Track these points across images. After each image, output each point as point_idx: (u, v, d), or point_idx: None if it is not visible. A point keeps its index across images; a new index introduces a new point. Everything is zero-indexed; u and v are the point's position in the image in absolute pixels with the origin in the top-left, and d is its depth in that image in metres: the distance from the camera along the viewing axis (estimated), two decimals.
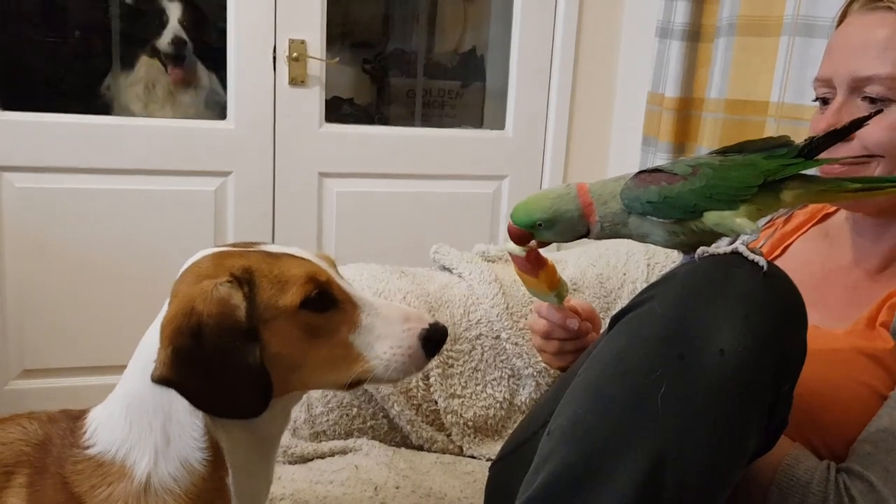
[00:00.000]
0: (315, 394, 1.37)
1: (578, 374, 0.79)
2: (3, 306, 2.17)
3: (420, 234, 2.38)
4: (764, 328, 0.71)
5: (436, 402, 1.39)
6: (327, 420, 1.36)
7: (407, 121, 2.98)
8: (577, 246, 1.75)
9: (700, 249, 0.79)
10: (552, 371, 1.39)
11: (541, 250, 0.98)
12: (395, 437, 1.39)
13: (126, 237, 2.22)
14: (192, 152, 2.23)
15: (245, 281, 0.76)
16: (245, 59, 2.22)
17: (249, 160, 2.28)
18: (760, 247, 1.17)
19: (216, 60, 2.30)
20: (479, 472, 1.28)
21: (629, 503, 0.67)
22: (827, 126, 0.98)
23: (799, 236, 1.17)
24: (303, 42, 2.23)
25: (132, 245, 2.22)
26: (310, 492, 1.15)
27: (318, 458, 1.31)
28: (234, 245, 0.84)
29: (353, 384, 0.82)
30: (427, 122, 2.96)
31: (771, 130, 1.76)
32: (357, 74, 2.98)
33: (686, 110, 2.07)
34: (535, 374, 1.40)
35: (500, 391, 1.41)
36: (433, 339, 0.83)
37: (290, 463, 1.31)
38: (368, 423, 1.37)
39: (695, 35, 2.06)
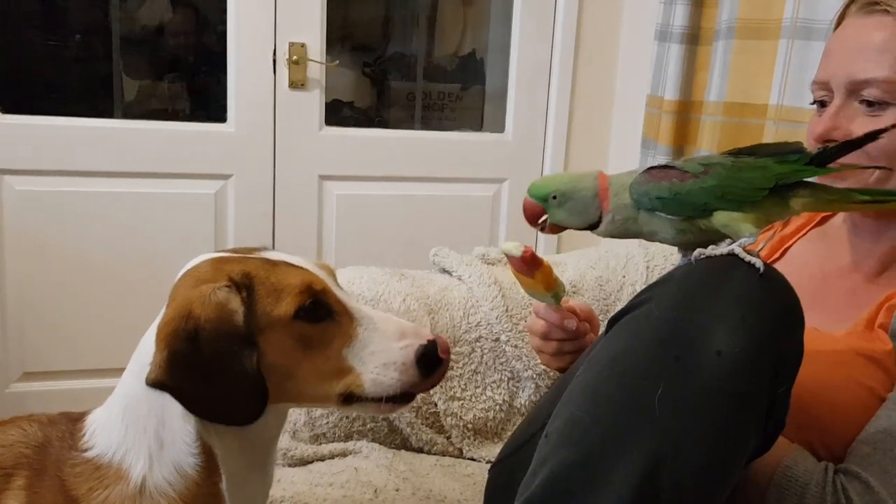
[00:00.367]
0: None
1: (576, 375, 0.79)
2: (4, 309, 2.17)
3: (420, 237, 2.39)
4: (761, 330, 0.71)
5: (435, 405, 1.39)
6: (327, 422, 1.36)
7: (407, 124, 2.99)
8: (577, 248, 1.75)
9: (697, 251, 0.79)
10: (552, 373, 1.39)
11: (537, 253, 0.98)
12: (395, 439, 1.39)
13: (126, 240, 2.22)
14: (193, 155, 2.24)
15: (244, 286, 0.76)
16: (245, 62, 2.23)
17: (250, 163, 2.28)
18: (759, 250, 1.17)
19: (217, 63, 2.31)
20: (478, 474, 1.28)
21: None
22: (824, 129, 0.99)
23: (798, 239, 1.18)
24: (303, 45, 2.24)
25: (132, 248, 2.23)
26: (309, 494, 1.15)
27: (317, 460, 1.31)
28: (234, 251, 0.84)
29: (346, 401, 0.80)
30: (427, 125, 2.96)
31: (770, 133, 1.76)
32: (357, 77, 2.98)
33: (685, 113, 2.08)
34: (534, 376, 1.40)
35: (500, 393, 1.41)
36: (429, 356, 0.80)
37: (290, 465, 1.31)
38: (368, 426, 1.37)
39: (694, 38, 2.06)
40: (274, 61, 2.24)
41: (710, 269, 0.76)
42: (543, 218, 0.89)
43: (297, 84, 2.26)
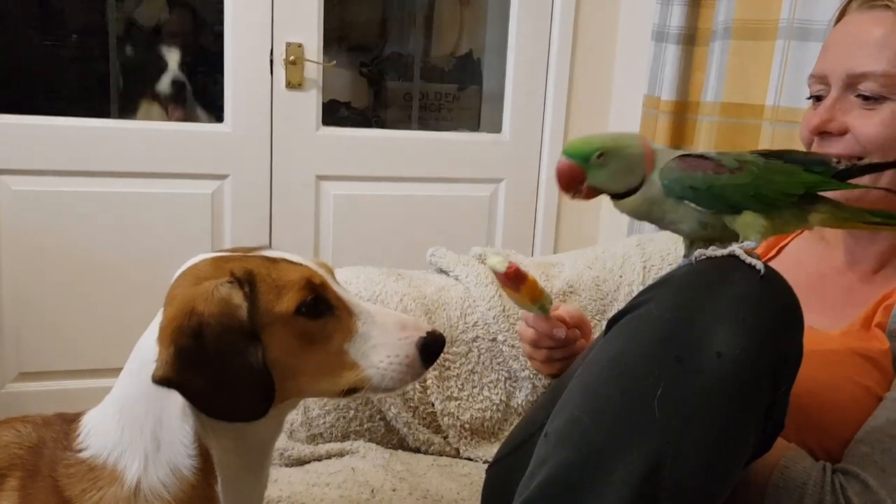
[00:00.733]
0: None
1: (575, 376, 0.79)
2: (0, 309, 2.16)
3: (417, 237, 2.39)
4: (761, 331, 0.71)
5: (433, 405, 1.39)
6: (324, 422, 1.35)
7: (404, 124, 2.99)
8: (574, 248, 1.75)
9: (697, 252, 0.79)
10: None
11: (521, 265, 0.97)
12: (392, 439, 1.39)
13: (123, 240, 2.22)
14: (189, 155, 2.24)
15: (246, 282, 0.76)
16: (242, 62, 2.22)
17: (246, 163, 2.28)
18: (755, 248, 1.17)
19: (213, 64, 2.31)
20: (475, 474, 1.28)
21: None
22: (820, 122, 0.99)
23: (794, 238, 1.18)
24: (300, 45, 2.24)
25: (129, 248, 2.22)
26: (306, 494, 1.15)
27: (314, 460, 1.31)
28: (233, 250, 0.84)
29: (349, 392, 0.81)
30: (424, 125, 2.96)
31: (767, 134, 1.76)
32: (354, 78, 2.98)
33: (682, 114, 2.08)
34: (531, 376, 1.40)
35: (497, 393, 1.41)
36: (430, 347, 0.82)
37: (287, 465, 1.31)
38: (365, 426, 1.37)
39: (690, 38, 2.06)
40: (271, 61, 2.24)
41: (711, 269, 0.76)
42: (577, 191, 0.83)
43: (294, 84, 2.26)
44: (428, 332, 0.82)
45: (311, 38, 2.25)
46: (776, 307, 0.73)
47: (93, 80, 2.60)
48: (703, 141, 1.94)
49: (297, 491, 1.15)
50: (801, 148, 1.04)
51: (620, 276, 1.52)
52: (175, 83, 2.34)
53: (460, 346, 1.41)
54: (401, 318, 0.83)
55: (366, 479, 1.20)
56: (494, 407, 1.41)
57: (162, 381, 0.73)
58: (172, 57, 2.35)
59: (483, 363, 1.41)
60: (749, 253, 0.76)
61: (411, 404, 1.38)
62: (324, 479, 1.20)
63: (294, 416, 1.36)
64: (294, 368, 0.78)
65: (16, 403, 2.19)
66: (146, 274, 2.20)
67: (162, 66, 2.35)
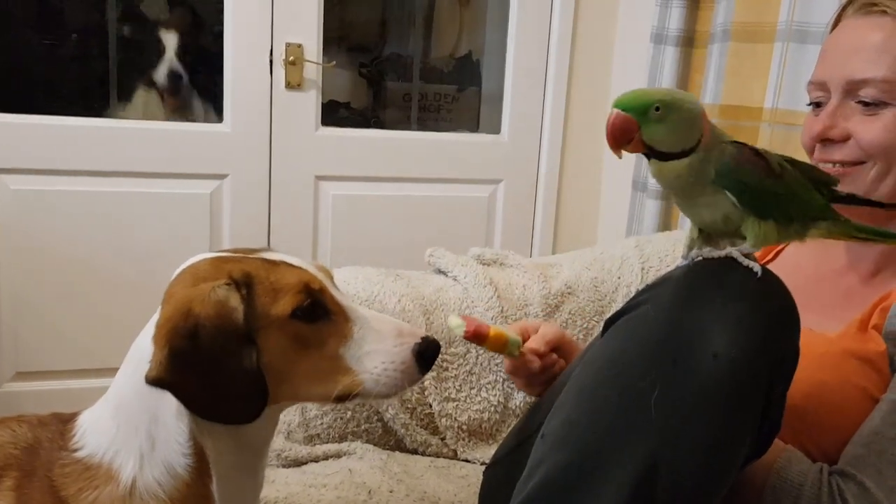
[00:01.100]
0: None
1: (572, 377, 0.79)
2: None
3: (415, 238, 2.38)
4: (757, 332, 0.71)
5: (430, 406, 1.39)
6: (321, 423, 1.35)
7: (403, 124, 2.99)
8: (572, 249, 1.75)
9: (694, 252, 0.79)
10: None
11: (479, 322, 0.97)
12: (390, 440, 1.39)
13: (121, 239, 2.21)
14: (188, 155, 2.23)
15: (243, 284, 0.76)
16: (242, 62, 2.22)
17: (245, 163, 2.28)
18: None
19: (213, 64, 2.31)
20: (473, 475, 1.28)
21: None
22: (822, 129, 0.99)
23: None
24: (299, 45, 2.24)
25: (127, 247, 2.22)
26: (303, 495, 1.15)
27: (311, 461, 1.31)
28: (233, 251, 0.84)
29: (342, 398, 0.80)
30: (423, 125, 2.96)
31: (765, 136, 1.77)
32: (354, 78, 2.99)
33: None
34: None
35: (495, 395, 1.41)
36: (426, 353, 0.81)
37: (284, 466, 1.31)
38: (363, 427, 1.37)
39: (689, 41, 2.07)
40: (270, 61, 2.24)
41: (708, 271, 0.76)
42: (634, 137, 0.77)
43: (293, 84, 2.26)
44: (423, 338, 0.82)
45: (311, 39, 2.26)
46: (773, 308, 0.73)
47: (92, 80, 2.60)
48: None
49: (294, 492, 1.15)
50: (801, 152, 1.05)
51: (619, 278, 1.52)
52: (172, 73, 2.33)
53: (458, 346, 1.41)
54: (397, 324, 0.83)
55: (363, 480, 1.20)
56: (492, 408, 1.41)
57: (155, 381, 0.73)
58: (170, 44, 2.34)
59: (481, 364, 1.42)
60: (746, 255, 0.76)
61: (409, 405, 1.38)
62: (321, 480, 1.20)
63: (291, 417, 1.36)
64: (289, 372, 0.78)
65: (13, 403, 2.19)
66: (144, 273, 2.20)
67: (160, 53, 2.34)
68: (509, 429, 1.35)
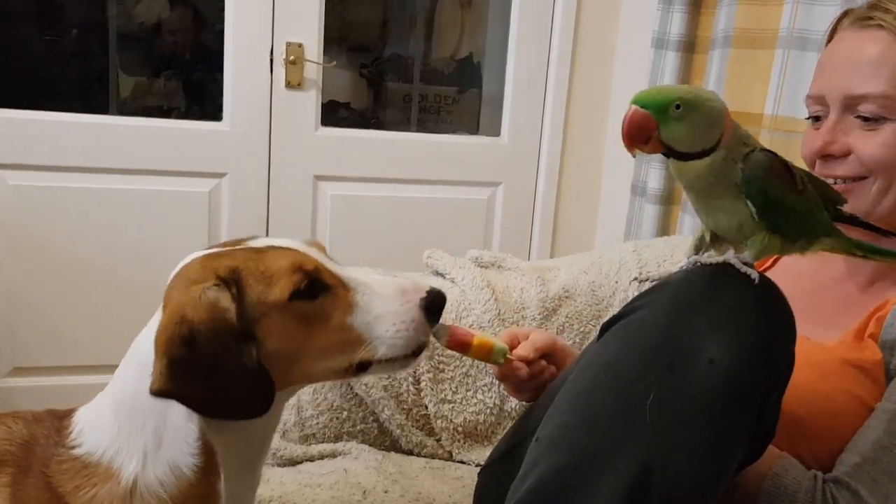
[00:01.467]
0: (305, 397, 1.36)
1: (568, 380, 0.79)
2: None
3: (414, 239, 2.39)
4: (753, 339, 0.71)
5: (426, 407, 1.39)
6: (317, 423, 1.35)
7: (403, 125, 2.99)
8: (571, 253, 1.76)
9: (692, 258, 0.79)
10: None
11: (461, 330, 0.96)
12: (385, 441, 1.39)
13: (119, 237, 2.21)
14: (187, 153, 2.23)
15: (232, 281, 0.75)
16: (242, 61, 2.22)
17: (244, 162, 2.28)
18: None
19: (213, 62, 2.31)
20: (467, 477, 1.28)
21: None
22: (822, 144, 0.99)
23: None
24: (300, 45, 2.24)
25: (125, 244, 2.22)
26: (298, 494, 1.15)
27: (307, 460, 1.31)
28: (223, 244, 0.83)
29: (360, 369, 0.80)
30: (423, 127, 2.96)
31: (765, 142, 1.76)
32: (354, 78, 2.99)
33: None
34: None
35: (491, 397, 1.41)
36: (433, 305, 0.81)
37: (279, 465, 1.31)
38: (358, 427, 1.37)
39: (690, 46, 2.07)
40: (271, 61, 2.24)
41: (705, 277, 0.76)
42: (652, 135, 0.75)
43: (293, 84, 2.26)
44: (428, 292, 0.81)
45: (312, 39, 2.26)
46: (769, 316, 0.73)
47: (92, 77, 2.60)
48: None
49: (289, 491, 1.15)
50: (800, 160, 1.05)
51: (616, 282, 1.52)
52: (172, 65, 2.33)
53: None
54: (399, 283, 0.82)
55: (358, 480, 1.20)
56: (488, 410, 1.41)
57: (160, 393, 0.73)
58: (170, 39, 2.34)
59: (477, 366, 1.42)
60: (744, 262, 0.76)
61: (405, 406, 1.38)
62: (316, 480, 1.20)
63: (287, 417, 1.36)
64: (299, 352, 0.78)
65: (9, 398, 2.19)
66: (142, 270, 2.20)
67: (160, 48, 2.34)
68: (505, 431, 1.35)
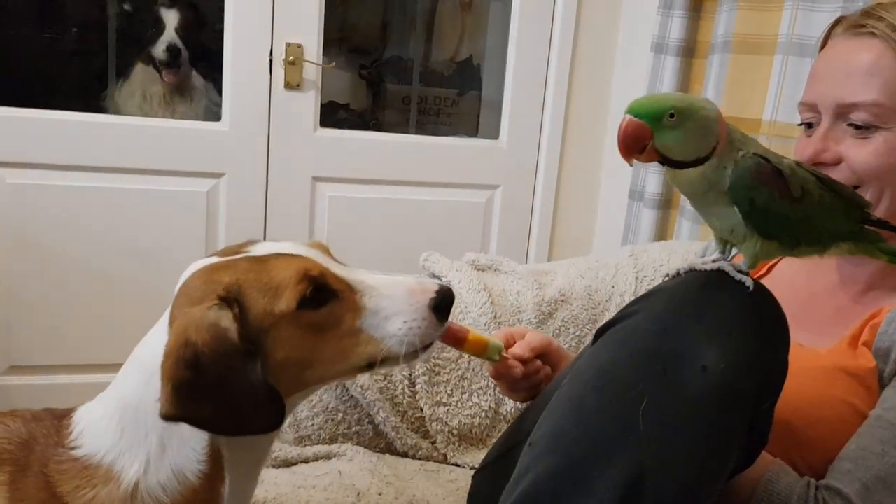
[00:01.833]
0: None
1: (561, 385, 0.79)
2: None
3: (411, 241, 2.39)
4: (747, 346, 0.72)
5: (421, 410, 1.39)
6: (312, 424, 1.35)
7: (402, 127, 2.99)
8: (568, 257, 1.76)
9: (686, 264, 0.80)
10: None
11: (458, 325, 0.96)
12: (380, 443, 1.39)
13: (117, 236, 2.21)
14: (186, 153, 2.23)
15: (233, 299, 0.75)
16: (241, 62, 2.22)
17: (243, 162, 2.28)
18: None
19: (213, 62, 2.30)
20: (462, 480, 1.28)
21: None
22: (814, 152, 0.99)
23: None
24: (299, 46, 2.24)
25: (122, 244, 2.22)
26: (293, 496, 1.15)
27: (301, 462, 1.31)
28: (224, 252, 0.82)
29: (371, 366, 0.80)
30: (422, 129, 2.96)
31: None
32: (353, 80, 2.99)
33: None
34: None
35: (486, 400, 1.41)
36: (443, 304, 0.81)
37: (274, 467, 1.31)
38: (353, 429, 1.37)
39: (689, 51, 2.07)
40: (270, 61, 2.24)
41: (699, 283, 0.76)
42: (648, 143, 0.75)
43: (292, 85, 2.26)
44: (437, 293, 0.81)
45: (311, 39, 2.26)
46: (762, 323, 0.74)
47: (91, 75, 2.60)
48: None
49: (283, 492, 1.15)
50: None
51: (613, 287, 1.52)
52: (170, 48, 2.32)
53: (451, 351, 1.41)
54: (407, 284, 0.82)
55: (352, 482, 1.20)
56: (483, 413, 1.41)
57: (169, 418, 0.72)
58: (170, 21, 2.33)
59: (473, 369, 1.42)
60: (738, 269, 0.76)
61: (400, 409, 1.38)
62: (310, 482, 1.20)
63: None
64: (311, 359, 0.78)
65: (5, 397, 2.19)
66: (139, 270, 2.20)
67: (159, 30, 2.33)
68: (500, 434, 1.35)
